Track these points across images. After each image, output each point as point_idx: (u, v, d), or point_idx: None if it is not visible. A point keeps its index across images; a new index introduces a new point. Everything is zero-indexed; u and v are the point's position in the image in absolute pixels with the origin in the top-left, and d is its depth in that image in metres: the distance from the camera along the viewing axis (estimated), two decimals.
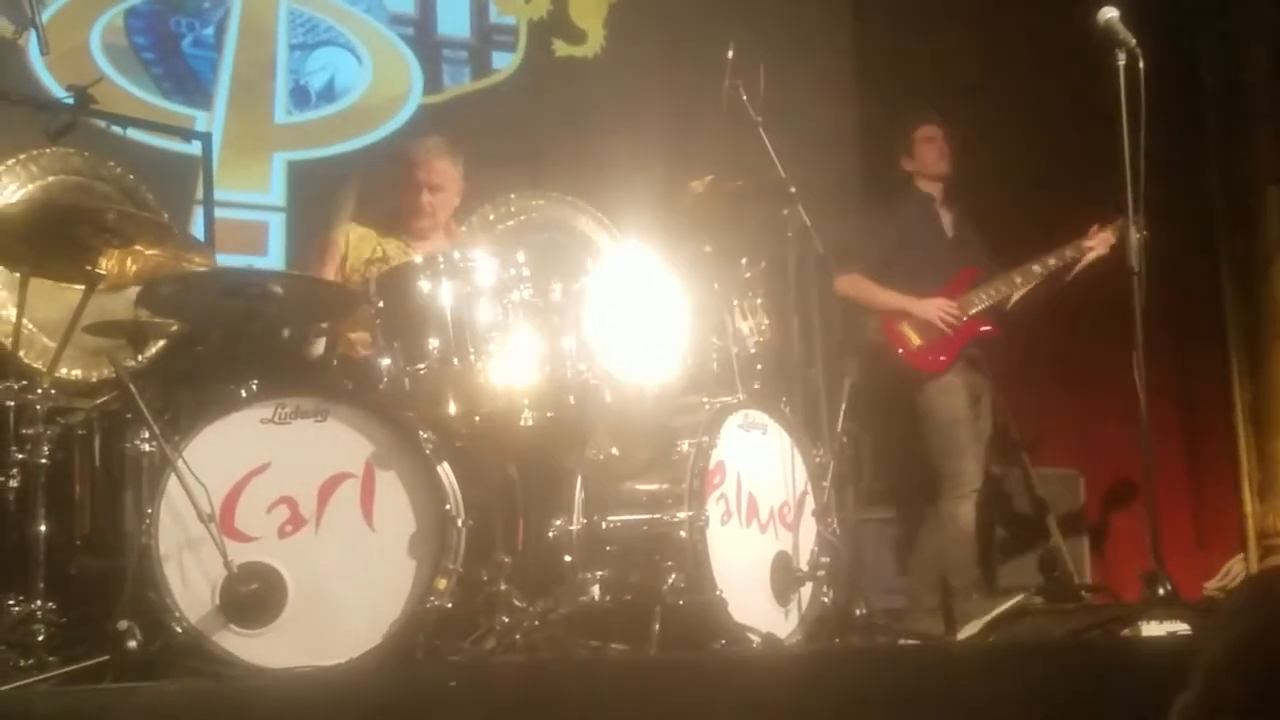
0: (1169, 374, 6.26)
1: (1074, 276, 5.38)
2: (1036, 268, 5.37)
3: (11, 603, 3.49)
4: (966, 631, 4.66)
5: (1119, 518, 6.39)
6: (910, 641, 4.35)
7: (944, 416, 5.25)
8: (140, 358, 4.24)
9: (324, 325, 4.32)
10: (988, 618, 4.79)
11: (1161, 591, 4.00)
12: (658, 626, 3.62)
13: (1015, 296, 5.39)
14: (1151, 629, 3.88)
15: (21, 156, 4.59)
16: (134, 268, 3.75)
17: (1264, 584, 1.75)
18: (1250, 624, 1.57)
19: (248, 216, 5.89)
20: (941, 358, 5.28)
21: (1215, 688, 1.56)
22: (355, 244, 4.78)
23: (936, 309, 5.28)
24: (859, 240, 5.45)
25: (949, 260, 5.47)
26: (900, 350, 5.26)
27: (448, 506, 3.52)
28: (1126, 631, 3.93)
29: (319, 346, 4.37)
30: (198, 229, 5.22)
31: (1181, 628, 3.84)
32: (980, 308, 5.35)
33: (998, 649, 4.20)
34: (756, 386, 4.22)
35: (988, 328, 5.38)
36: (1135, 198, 4.29)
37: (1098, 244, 5.29)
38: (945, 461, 5.24)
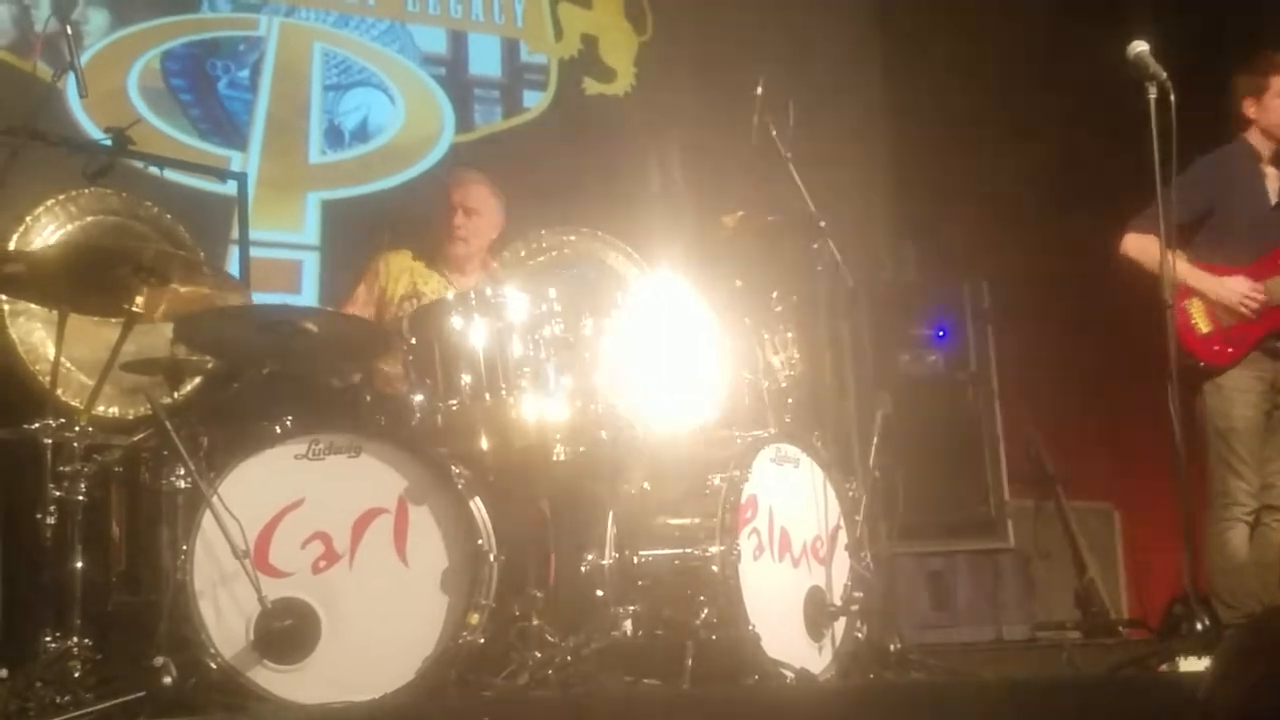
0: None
1: None
2: None
3: (48, 639, 3.51)
4: (1187, 665, 3.86)
5: (1155, 552, 6.33)
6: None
7: (1217, 422, 4.58)
8: (176, 395, 4.27)
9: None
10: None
11: (1199, 626, 3.97)
12: (690, 661, 3.60)
13: None
14: (1189, 664, 3.83)
15: (60, 197, 4.67)
16: (171, 306, 3.79)
17: (1265, 626, 1.72)
18: (1257, 669, 1.55)
19: (282, 255, 5.95)
20: (1229, 349, 4.55)
21: None
22: (394, 275, 4.81)
23: (1237, 293, 4.55)
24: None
25: (1266, 230, 4.66)
26: (1182, 335, 4.43)
27: (480, 542, 3.53)
28: (1164, 667, 3.89)
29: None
30: (233, 268, 5.27)
31: None
32: None
33: (1035, 685, 4.15)
34: (788, 420, 4.21)
35: None
36: (1168, 230, 4.27)
37: None
38: (1214, 476, 4.58)
